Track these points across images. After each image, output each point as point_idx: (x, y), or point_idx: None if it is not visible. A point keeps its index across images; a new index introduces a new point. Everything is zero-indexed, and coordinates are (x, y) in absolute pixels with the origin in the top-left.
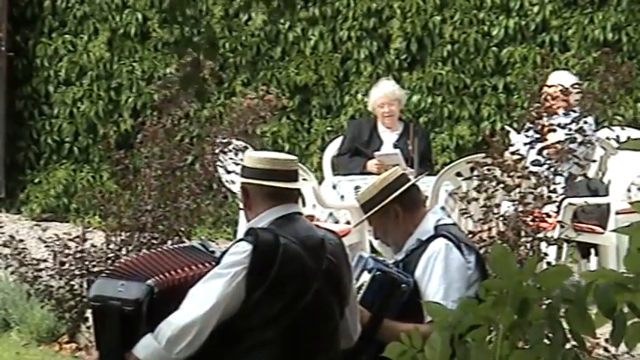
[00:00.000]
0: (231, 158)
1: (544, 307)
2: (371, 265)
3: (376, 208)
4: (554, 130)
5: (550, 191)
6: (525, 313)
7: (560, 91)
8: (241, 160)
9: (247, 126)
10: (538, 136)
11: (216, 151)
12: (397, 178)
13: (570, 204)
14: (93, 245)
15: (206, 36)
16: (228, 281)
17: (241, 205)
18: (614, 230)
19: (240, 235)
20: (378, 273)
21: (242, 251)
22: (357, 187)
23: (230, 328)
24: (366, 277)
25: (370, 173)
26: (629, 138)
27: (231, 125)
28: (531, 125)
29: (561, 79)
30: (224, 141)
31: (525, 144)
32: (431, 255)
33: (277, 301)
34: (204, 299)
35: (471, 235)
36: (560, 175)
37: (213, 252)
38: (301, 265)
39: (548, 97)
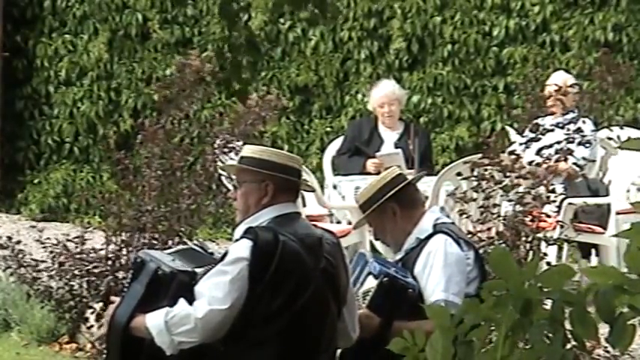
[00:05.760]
0: (231, 158)
1: (546, 307)
2: (377, 270)
3: (374, 207)
4: (552, 130)
5: (549, 191)
6: (528, 314)
7: (556, 91)
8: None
9: (247, 127)
10: (533, 135)
11: (217, 151)
12: (394, 177)
13: (570, 204)
14: (93, 248)
15: (245, 35)
16: (234, 280)
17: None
18: (615, 235)
19: (236, 233)
20: (386, 279)
21: (244, 248)
22: (357, 188)
23: (231, 325)
24: (372, 282)
25: (369, 173)
26: (629, 138)
27: (231, 126)
28: (527, 125)
29: (558, 79)
30: (224, 142)
31: (521, 144)
32: (431, 250)
33: (276, 298)
34: (213, 296)
35: (470, 236)
36: (559, 175)
37: (212, 253)
38: (300, 263)
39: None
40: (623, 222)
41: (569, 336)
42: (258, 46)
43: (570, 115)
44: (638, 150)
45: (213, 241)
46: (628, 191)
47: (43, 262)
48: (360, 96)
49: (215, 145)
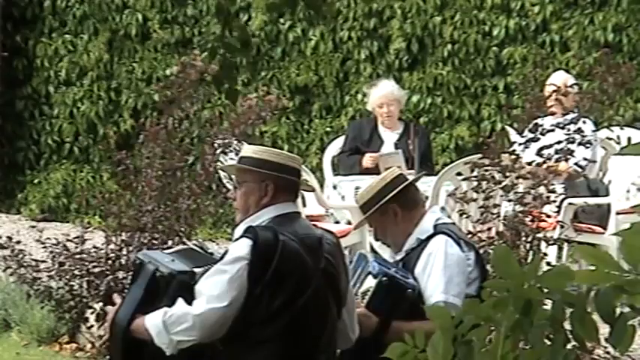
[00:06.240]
0: (231, 159)
1: (546, 307)
2: (376, 270)
3: (374, 208)
4: (553, 131)
5: (549, 191)
6: (529, 314)
7: (555, 91)
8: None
9: (247, 127)
10: (532, 135)
11: (217, 151)
12: (394, 178)
13: (570, 204)
14: (94, 247)
15: (239, 36)
16: (232, 278)
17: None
18: (615, 234)
19: (236, 233)
20: (385, 279)
21: (243, 247)
22: (357, 188)
23: (231, 324)
24: (371, 282)
25: (368, 169)
26: (629, 139)
27: (231, 126)
28: (527, 125)
29: (558, 79)
30: (224, 142)
31: (520, 144)
32: (431, 251)
33: (276, 298)
34: (211, 294)
35: (470, 236)
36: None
37: (211, 253)
38: (300, 262)
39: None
40: (623, 222)
41: (569, 336)
42: (252, 45)
43: (570, 116)
44: (638, 154)
45: (213, 241)
46: (628, 191)
47: (43, 262)
48: (360, 96)
49: (215, 145)
